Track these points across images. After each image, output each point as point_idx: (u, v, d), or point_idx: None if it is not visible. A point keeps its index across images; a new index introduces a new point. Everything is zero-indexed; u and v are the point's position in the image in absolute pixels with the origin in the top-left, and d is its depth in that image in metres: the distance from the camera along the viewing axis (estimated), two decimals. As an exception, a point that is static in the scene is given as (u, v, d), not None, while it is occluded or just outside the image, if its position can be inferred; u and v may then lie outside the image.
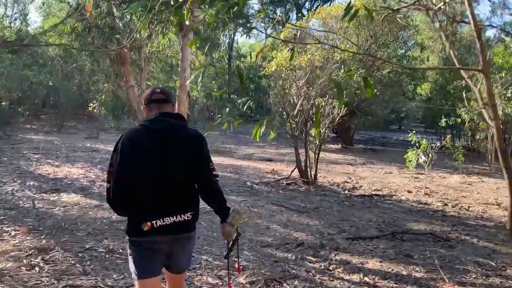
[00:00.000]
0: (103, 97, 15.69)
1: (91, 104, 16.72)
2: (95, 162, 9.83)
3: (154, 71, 22.96)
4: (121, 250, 4.14)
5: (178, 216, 2.14)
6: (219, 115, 2.66)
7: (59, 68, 20.39)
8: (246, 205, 6.66)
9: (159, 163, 2.12)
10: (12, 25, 23.66)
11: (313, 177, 8.78)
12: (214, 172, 2.33)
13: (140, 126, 2.20)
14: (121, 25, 8.77)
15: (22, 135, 14.57)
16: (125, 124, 20.19)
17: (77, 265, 3.72)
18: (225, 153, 14.10)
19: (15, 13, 29.22)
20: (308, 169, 8.74)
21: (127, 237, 2.19)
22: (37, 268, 3.56)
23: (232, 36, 29.76)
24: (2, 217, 5.11)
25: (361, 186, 9.16)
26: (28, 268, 3.56)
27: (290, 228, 5.58)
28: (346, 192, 8.48)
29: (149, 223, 2.09)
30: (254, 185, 8.37)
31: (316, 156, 8.65)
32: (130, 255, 2.21)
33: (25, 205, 5.74)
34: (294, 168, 9.07)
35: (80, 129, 18.90)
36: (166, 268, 2.31)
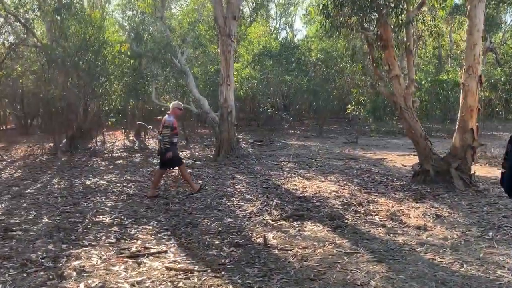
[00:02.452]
0: (357, 94, 13.87)
1: (349, 106, 15.24)
2: (351, 175, 7.99)
3: (420, 63, 19.74)
4: None
5: None
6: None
7: (321, 73, 20.09)
8: None
9: None
10: (279, 37, 25.29)
11: None
12: None
13: None
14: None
15: (283, 141, 14.46)
16: (387, 127, 17.91)
17: None
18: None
19: (282, 25, 31.81)
20: None
21: None
22: None
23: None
24: (225, 259, 3.76)
25: None
26: None
27: None
28: None
29: None
30: None
31: None
32: None
33: (256, 240, 4.30)
34: None
35: (340, 133, 17.82)
36: None
